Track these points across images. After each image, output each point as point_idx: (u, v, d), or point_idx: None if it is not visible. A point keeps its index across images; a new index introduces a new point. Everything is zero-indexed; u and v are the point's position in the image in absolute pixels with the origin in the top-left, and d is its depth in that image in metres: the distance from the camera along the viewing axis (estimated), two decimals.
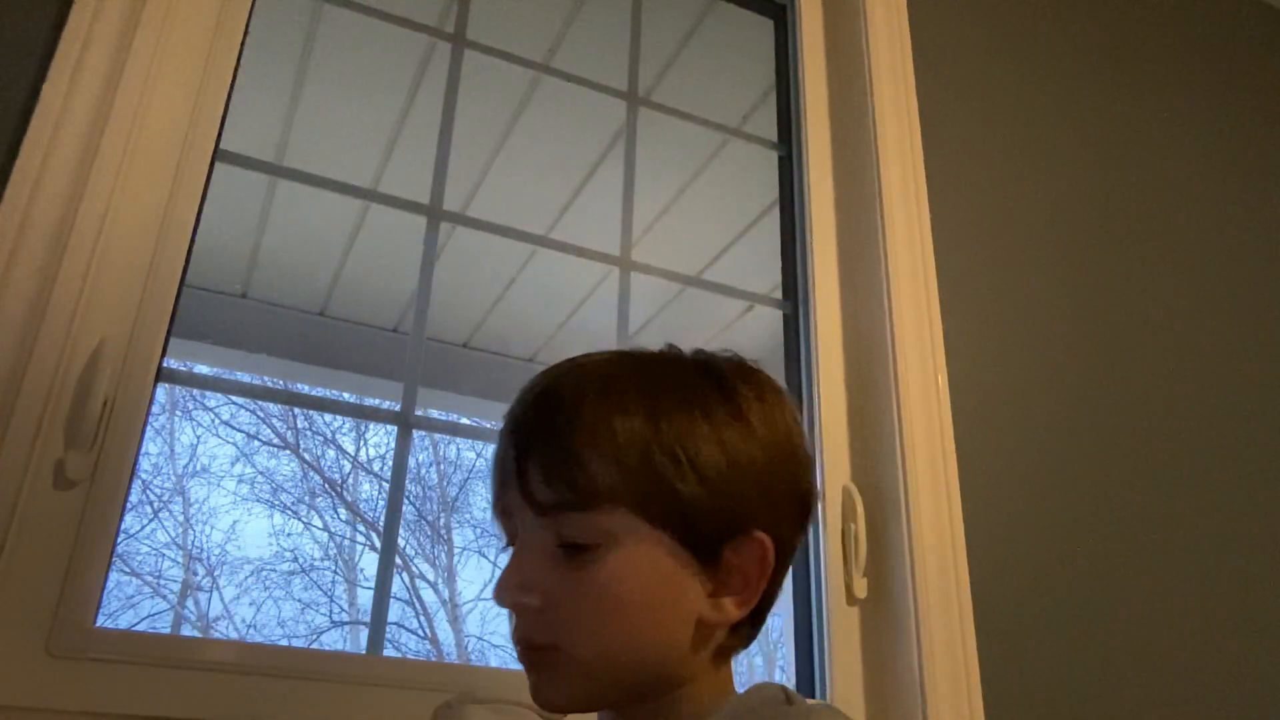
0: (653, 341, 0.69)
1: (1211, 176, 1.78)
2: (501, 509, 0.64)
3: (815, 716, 0.60)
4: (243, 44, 1.19)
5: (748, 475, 0.61)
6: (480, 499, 5.15)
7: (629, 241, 1.46)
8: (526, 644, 0.61)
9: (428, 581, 4.97)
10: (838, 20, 1.58)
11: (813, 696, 1.22)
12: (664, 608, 0.60)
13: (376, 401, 3.22)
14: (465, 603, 4.90)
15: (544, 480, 0.60)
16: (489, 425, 3.09)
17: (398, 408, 1.18)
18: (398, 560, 4.77)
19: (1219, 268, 1.69)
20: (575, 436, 0.60)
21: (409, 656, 4.39)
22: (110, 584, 0.92)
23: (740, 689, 0.64)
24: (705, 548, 0.61)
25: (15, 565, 0.88)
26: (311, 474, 5.27)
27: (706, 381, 0.64)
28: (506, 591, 0.61)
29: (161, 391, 1.58)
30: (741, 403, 0.63)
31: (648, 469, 0.60)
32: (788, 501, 0.64)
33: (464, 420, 3.24)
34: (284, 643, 4.58)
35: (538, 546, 0.61)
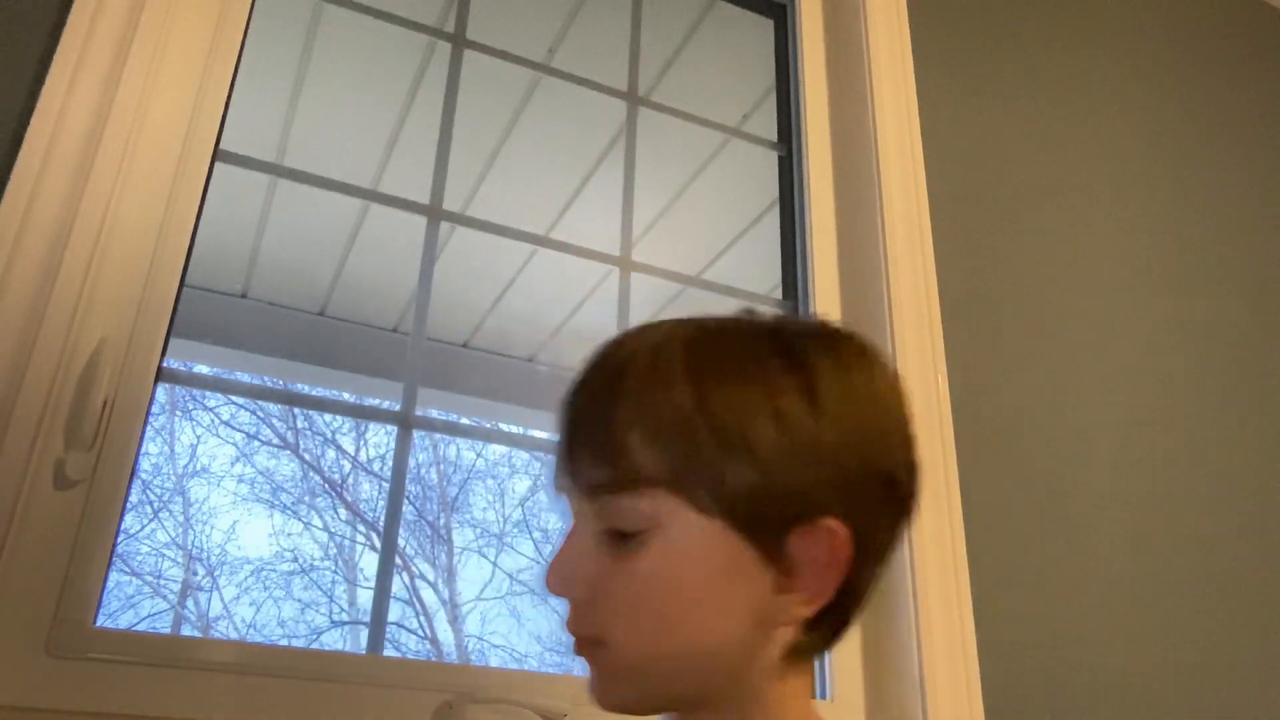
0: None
1: (1213, 175, 1.78)
2: (558, 487, 0.59)
3: None
4: (243, 44, 1.19)
5: (813, 456, 0.54)
6: (480, 499, 5.16)
7: (629, 241, 1.46)
8: (575, 636, 0.57)
9: (428, 581, 4.97)
10: (838, 20, 1.58)
11: (812, 697, 1.22)
12: (717, 603, 0.54)
13: (376, 401, 3.22)
14: (465, 603, 4.90)
15: (586, 460, 0.56)
16: (489, 425, 3.09)
17: (397, 408, 1.18)
18: (397, 560, 4.77)
19: (1219, 262, 1.69)
20: (615, 412, 0.55)
21: (409, 657, 4.39)
22: (110, 584, 0.92)
23: None
24: (766, 537, 0.54)
25: (15, 565, 0.88)
26: (311, 474, 5.28)
27: (772, 350, 0.57)
28: (553, 580, 0.57)
29: (161, 391, 1.58)
30: (812, 373, 0.56)
31: (693, 449, 0.54)
32: (868, 484, 0.56)
33: (464, 420, 3.24)
34: (284, 643, 4.57)
35: (585, 532, 0.57)
